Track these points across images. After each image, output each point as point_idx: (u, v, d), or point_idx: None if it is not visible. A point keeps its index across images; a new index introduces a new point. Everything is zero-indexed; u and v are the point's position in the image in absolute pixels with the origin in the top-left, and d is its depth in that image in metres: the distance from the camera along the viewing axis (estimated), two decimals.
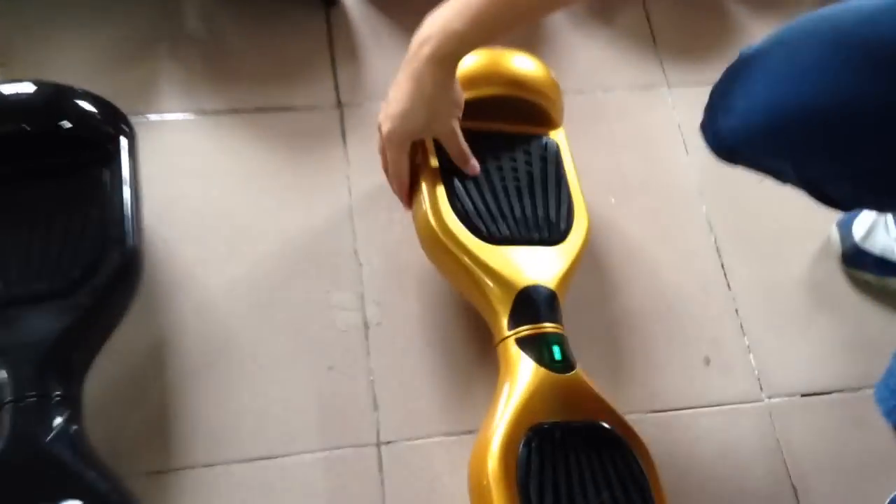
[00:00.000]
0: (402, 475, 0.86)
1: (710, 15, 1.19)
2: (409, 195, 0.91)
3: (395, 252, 0.97)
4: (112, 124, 0.89)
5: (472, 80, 0.91)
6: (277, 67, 1.05)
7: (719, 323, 0.98)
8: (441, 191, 0.88)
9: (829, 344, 0.98)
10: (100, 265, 0.81)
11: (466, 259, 0.85)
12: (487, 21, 0.78)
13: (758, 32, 1.17)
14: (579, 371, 0.83)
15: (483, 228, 0.87)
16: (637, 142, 1.07)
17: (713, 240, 1.03)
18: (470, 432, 0.89)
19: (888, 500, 0.87)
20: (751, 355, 0.97)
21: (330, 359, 0.91)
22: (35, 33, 1.03)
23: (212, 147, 1.01)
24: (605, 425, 0.81)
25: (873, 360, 0.97)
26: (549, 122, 0.96)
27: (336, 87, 1.05)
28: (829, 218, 1.03)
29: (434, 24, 0.79)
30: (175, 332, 0.90)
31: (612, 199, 0.99)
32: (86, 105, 0.88)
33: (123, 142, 0.88)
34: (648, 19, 1.16)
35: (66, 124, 0.85)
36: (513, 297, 0.84)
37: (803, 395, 0.95)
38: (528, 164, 0.92)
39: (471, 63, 0.91)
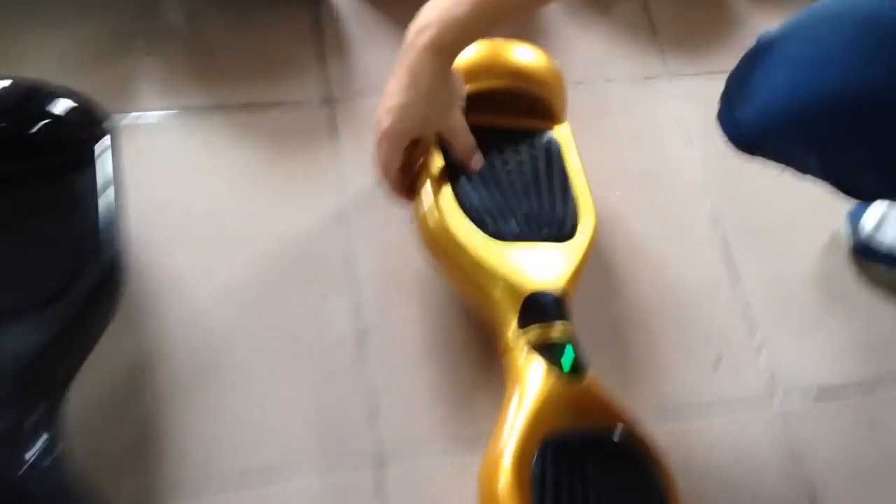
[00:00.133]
0: (406, 490, 0.82)
1: (708, 3, 1.15)
2: (402, 191, 0.87)
3: (393, 253, 0.93)
4: (92, 124, 0.83)
5: (473, 73, 0.86)
6: (263, 62, 1.01)
7: (729, 321, 0.95)
8: (445, 187, 0.84)
9: (842, 341, 0.95)
10: (79, 276, 0.76)
11: (472, 259, 0.81)
12: (488, 8, 0.73)
13: (758, 21, 1.14)
14: (592, 376, 0.79)
15: (490, 224, 0.83)
16: (639, 135, 1.04)
17: (720, 234, 0.99)
18: (477, 443, 0.85)
19: None
20: (762, 354, 0.93)
21: (326, 368, 0.86)
22: (6, 28, 0.97)
23: (196, 146, 0.96)
24: (622, 435, 0.77)
25: (887, 356, 0.94)
26: (554, 115, 0.92)
27: (325, 82, 1.01)
28: (837, 210, 1.01)
29: (432, 12, 0.75)
30: (160, 346, 0.85)
31: (617, 193, 0.96)
32: (64, 103, 0.82)
33: (104, 142, 0.83)
34: (647, 9, 1.13)
35: (43, 124, 0.80)
36: (521, 300, 0.80)
37: (817, 396, 0.92)
38: (534, 159, 0.88)
39: (471, 55, 0.87)
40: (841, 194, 0.71)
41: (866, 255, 0.97)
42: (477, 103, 0.86)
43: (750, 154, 0.74)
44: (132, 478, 0.79)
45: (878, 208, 0.96)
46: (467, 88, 0.85)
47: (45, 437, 0.70)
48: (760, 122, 0.70)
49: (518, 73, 0.89)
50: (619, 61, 1.08)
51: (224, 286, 0.89)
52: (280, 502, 0.80)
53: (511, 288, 0.81)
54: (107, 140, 0.83)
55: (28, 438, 0.69)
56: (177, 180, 0.93)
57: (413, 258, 0.92)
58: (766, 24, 1.11)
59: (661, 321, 0.93)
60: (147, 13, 1.01)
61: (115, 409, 0.82)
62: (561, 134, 0.91)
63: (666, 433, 0.80)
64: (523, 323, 0.80)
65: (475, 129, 0.86)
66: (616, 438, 0.77)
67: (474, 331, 0.90)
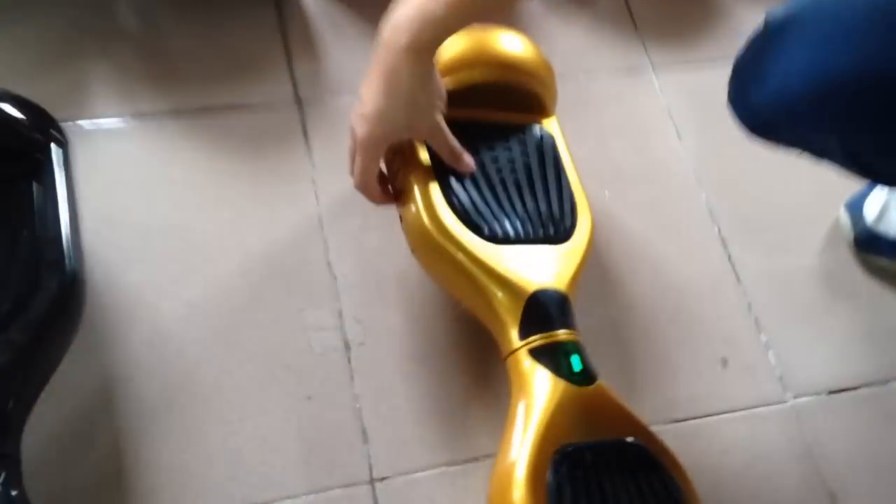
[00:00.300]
0: None
1: None
2: (383, 199, 0.81)
3: (374, 261, 0.86)
4: (41, 131, 0.75)
5: (457, 66, 0.81)
6: (225, 63, 0.93)
7: (733, 320, 0.90)
8: (434, 188, 0.77)
9: (849, 336, 0.91)
10: (34, 295, 0.68)
11: (468, 263, 0.75)
12: (466, 5, 0.68)
13: (738, 9, 1.10)
14: (601, 382, 0.73)
15: (484, 227, 0.77)
16: (626, 129, 0.99)
17: (717, 230, 0.95)
18: (475, 460, 0.78)
19: None
20: (770, 353, 0.89)
21: (308, 387, 0.79)
22: None
23: (155, 154, 0.88)
24: (638, 444, 0.72)
25: None
26: (542, 109, 0.86)
27: (293, 83, 0.94)
28: (835, 201, 0.97)
29: (408, 9, 0.69)
30: (125, 369, 0.77)
31: (606, 192, 0.91)
32: (10, 109, 0.74)
33: (55, 151, 0.75)
34: (626, 1, 1.09)
35: None
36: (522, 303, 0.74)
37: (829, 393, 0.87)
38: (525, 155, 0.83)
39: (455, 46, 0.81)
40: (861, 178, 0.67)
41: (868, 246, 0.93)
42: (461, 98, 0.80)
43: (765, 139, 0.70)
44: None
45: (878, 197, 0.93)
46: (452, 82, 0.79)
47: (3, 473, 0.62)
48: (778, 105, 0.66)
49: (507, 65, 0.83)
50: (600, 54, 1.04)
51: (191, 305, 0.81)
52: None
53: (512, 289, 0.74)
54: (57, 149, 0.76)
55: None
56: (135, 192, 0.86)
57: (395, 265, 0.86)
58: (746, 11, 1.09)
59: (662, 322, 0.88)
60: (98, 14, 0.93)
61: (76, 443, 0.73)
62: (551, 128, 0.86)
63: (676, 438, 0.74)
64: (526, 326, 0.74)
65: (461, 125, 0.80)
66: (631, 446, 0.71)
67: (464, 339, 0.83)
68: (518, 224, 0.78)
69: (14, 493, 0.62)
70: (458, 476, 0.77)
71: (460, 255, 0.76)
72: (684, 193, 0.96)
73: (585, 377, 0.73)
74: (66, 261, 0.71)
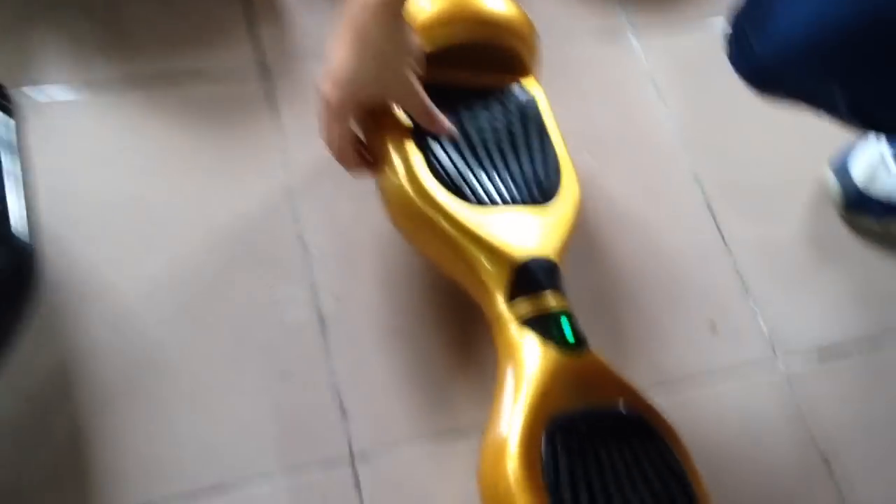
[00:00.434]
0: (386, 491, 0.71)
1: None
2: (358, 165, 0.76)
3: (348, 232, 0.82)
4: None
5: (433, 25, 0.76)
6: (183, 28, 0.88)
7: (720, 284, 0.87)
8: (413, 152, 0.73)
9: (839, 297, 0.89)
10: None
11: (453, 230, 0.71)
12: None
13: None
14: (593, 350, 0.70)
15: (468, 192, 0.73)
16: (607, 93, 0.96)
17: (702, 195, 0.92)
18: (460, 432, 0.75)
19: None
20: (759, 317, 0.86)
21: (282, 364, 0.75)
22: None
23: (110, 124, 0.83)
24: (633, 411, 0.69)
25: (886, 309, 0.89)
26: (524, 69, 0.82)
27: (256, 48, 0.89)
28: (821, 161, 0.95)
29: None
30: (84, 352, 0.72)
31: (589, 158, 0.87)
32: None
33: (3, 121, 0.70)
34: None
35: None
36: (510, 270, 0.71)
37: (820, 355, 0.85)
38: (508, 117, 0.79)
39: (430, 5, 0.76)
40: (862, 130, 0.65)
41: (856, 207, 0.91)
42: (439, 58, 0.76)
43: (766, 91, 0.67)
44: None
45: (865, 158, 0.91)
46: (428, 43, 0.75)
47: None
48: (781, 57, 0.63)
49: (486, 22, 0.79)
50: (579, 17, 1.00)
51: (154, 282, 0.76)
52: None
53: (500, 257, 0.71)
54: (6, 119, 0.71)
55: None
56: (90, 164, 0.80)
57: (370, 234, 0.82)
58: None
59: (650, 288, 0.85)
60: None
61: (32, 431, 0.68)
62: (533, 89, 0.82)
63: (666, 405, 0.71)
64: (515, 294, 0.70)
65: (438, 89, 0.75)
66: (626, 413, 0.68)
67: (445, 308, 0.80)
68: (503, 188, 0.74)
69: None
70: (444, 451, 0.74)
71: (444, 222, 0.72)
72: (668, 158, 0.93)
73: (577, 345, 0.69)
74: (19, 235, 0.65)
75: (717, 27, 0.92)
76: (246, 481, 0.69)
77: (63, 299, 0.74)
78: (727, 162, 0.95)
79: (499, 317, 0.71)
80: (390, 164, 0.74)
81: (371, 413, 0.74)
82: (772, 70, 0.65)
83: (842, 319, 0.88)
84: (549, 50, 0.85)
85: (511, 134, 0.78)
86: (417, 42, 0.72)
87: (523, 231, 0.73)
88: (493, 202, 0.73)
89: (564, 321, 0.70)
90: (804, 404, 0.82)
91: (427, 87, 0.73)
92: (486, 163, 0.75)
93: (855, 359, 0.86)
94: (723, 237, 0.90)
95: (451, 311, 0.80)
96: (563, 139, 0.80)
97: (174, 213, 0.80)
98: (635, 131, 0.95)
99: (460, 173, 0.74)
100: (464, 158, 0.75)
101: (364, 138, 0.77)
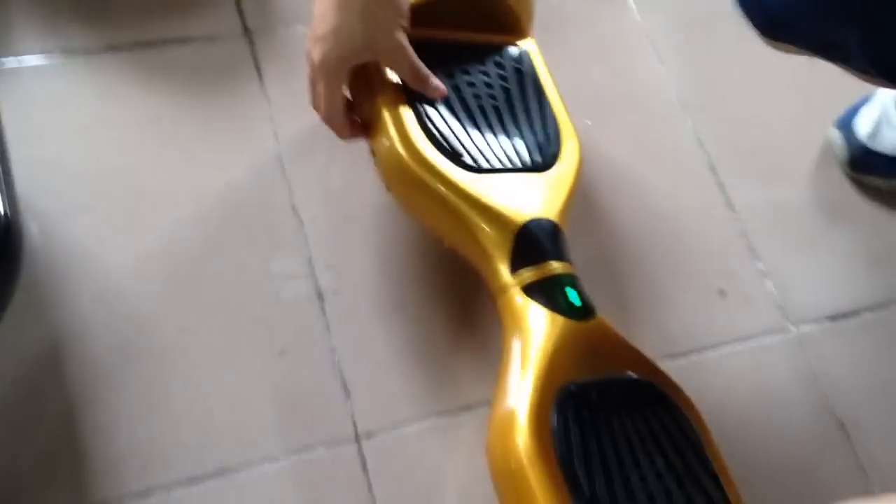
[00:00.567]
0: (393, 471, 0.69)
1: None
2: (352, 130, 0.73)
3: (343, 201, 0.79)
4: None
5: None
6: None
7: (728, 249, 0.84)
8: (408, 115, 0.70)
9: (848, 259, 0.86)
10: None
11: (451, 195, 0.68)
12: None
13: None
14: (601, 316, 0.68)
15: (465, 156, 0.69)
16: (603, 53, 0.93)
17: (705, 157, 0.89)
18: (467, 408, 0.72)
19: None
20: (768, 281, 0.84)
21: (281, 341, 0.72)
22: None
23: (89, 93, 0.79)
24: (645, 379, 0.66)
25: None
26: (519, 27, 0.79)
27: (240, 12, 0.85)
28: (826, 120, 0.92)
29: None
30: (73, 331, 0.69)
31: (588, 121, 0.84)
32: None
33: None
34: None
35: None
36: (512, 236, 0.68)
37: (832, 319, 0.83)
38: (503, 78, 0.76)
39: None
40: (878, 81, 0.62)
41: (863, 165, 0.88)
42: (427, 15, 0.72)
43: (777, 40, 0.64)
44: (49, 496, 0.63)
45: (870, 113, 0.88)
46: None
47: None
48: (794, 2, 0.60)
49: None
50: None
51: (143, 257, 0.73)
52: (242, 501, 0.65)
53: (500, 220, 0.68)
54: None
55: None
56: (70, 135, 0.77)
57: (367, 204, 0.79)
58: None
59: (654, 255, 0.83)
60: None
61: (22, 415, 0.65)
62: (529, 48, 0.79)
63: (677, 374, 0.68)
64: (518, 260, 0.67)
65: (430, 47, 0.72)
66: (638, 381, 0.66)
67: (447, 280, 0.77)
68: (501, 151, 0.71)
69: None
70: (450, 427, 0.71)
71: (441, 188, 0.69)
72: (669, 119, 0.91)
73: (584, 311, 0.67)
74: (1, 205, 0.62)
75: None
76: (247, 464, 0.67)
77: (47, 277, 0.71)
78: (729, 122, 0.92)
79: (502, 284, 0.68)
80: (384, 129, 0.70)
81: (374, 390, 0.72)
82: (785, 15, 0.62)
83: (852, 280, 0.86)
84: (540, 7, 0.82)
85: (507, 95, 0.75)
86: None
87: (523, 194, 0.70)
88: (491, 166, 0.70)
89: (571, 287, 0.67)
90: (817, 368, 0.81)
91: (418, 46, 0.70)
92: (483, 126, 0.72)
93: (868, 321, 0.84)
94: (728, 200, 0.87)
95: (453, 281, 0.77)
96: (563, 100, 0.77)
97: (160, 184, 0.76)
98: (633, 92, 0.92)
99: (457, 137, 0.70)
100: (460, 121, 0.71)
101: (355, 102, 0.74)
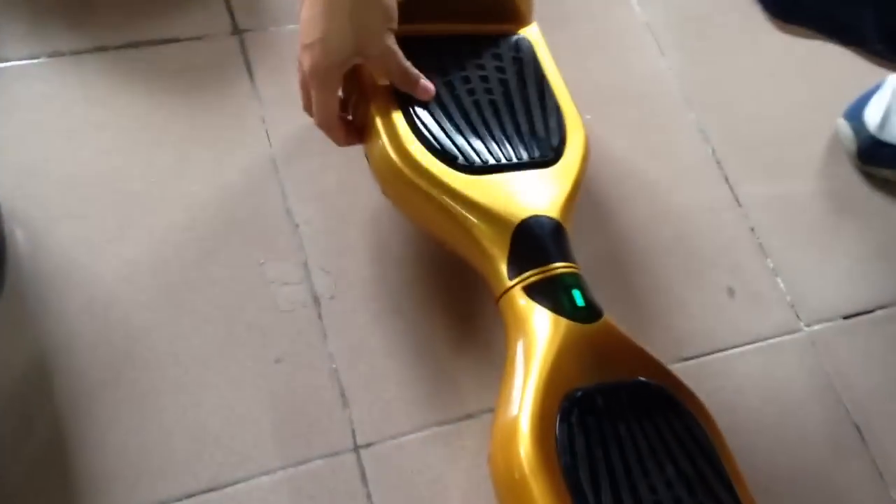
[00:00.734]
0: (393, 482, 0.66)
1: None
2: (350, 137, 0.71)
3: (339, 204, 0.76)
4: None
5: None
6: None
7: (736, 246, 0.82)
8: (399, 117, 0.67)
9: (859, 255, 0.84)
10: None
11: (445, 198, 0.66)
12: None
13: None
14: (607, 317, 0.65)
15: (459, 157, 0.67)
16: (603, 45, 0.90)
17: (710, 151, 0.87)
18: (469, 416, 0.70)
19: None
20: (778, 279, 0.81)
21: (276, 349, 0.69)
22: None
23: (77, 96, 0.77)
24: (654, 382, 0.64)
25: None
26: (517, 15, 0.76)
27: (230, 10, 0.83)
28: (833, 111, 0.89)
29: None
30: (61, 342, 0.67)
31: (588, 116, 0.81)
32: None
33: None
34: None
35: None
36: (510, 234, 0.66)
37: (845, 317, 0.81)
38: (501, 70, 0.73)
39: None
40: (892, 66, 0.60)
41: (872, 157, 0.86)
42: (418, 9, 0.70)
43: (788, 21, 0.62)
44: None
45: (879, 103, 0.86)
46: None
47: None
48: None
49: None
50: None
51: (133, 264, 0.71)
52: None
53: (498, 221, 0.65)
54: None
55: None
56: (57, 139, 0.74)
57: (364, 206, 0.76)
58: None
59: (661, 253, 0.80)
60: None
61: (11, 430, 0.63)
62: (530, 35, 0.76)
63: (686, 377, 0.66)
64: (517, 261, 0.65)
65: (421, 41, 0.70)
66: (646, 385, 0.63)
67: (447, 283, 0.75)
68: (497, 149, 0.69)
69: None
70: (452, 436, 0.69)
71: (435, 191, 0.66)
72: (672, 113, 0.88)
73: (590, 313, 0.64)
74: None
75: None
76: (243, 477, 0.64)
77: (35, 287, 0.69)
78: (734, 115, 0.89)
79: (503, 286, 0.65)
80: (375, 131, 0.68)
81: (373, 397, 0.69)
82: None
83: (864, 276, 0.83)
84: (539, 0, 0.80)
85: (505, 88, 0.72)
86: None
87: (522, 191, 0.68)
88: (488, 165, 0.68)
89: (575, 288, 0.65)
90: (831, 369, 0.78)
91: (410, 43, 0.68)
92: (479, 123, 0.70)
93: (882, 319, 0.82)
94: (735, 195, 0.85)
95: (456, 286, 0.75)
96: (567, 90, 0.75)
97: (150, 188, 0.74)
98: (634, 85, 0.89)
99: (451, 137, 0.68)
100: (454, 120, 0.69)
101: (348, 104, 0.72)
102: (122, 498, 0.62)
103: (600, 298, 0.67)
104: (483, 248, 0.66)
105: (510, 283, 0.65)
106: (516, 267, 0.65)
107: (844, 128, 0.88)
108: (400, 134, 0.67)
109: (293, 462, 0.65)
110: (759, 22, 0.66)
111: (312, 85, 0.66)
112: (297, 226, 0.75)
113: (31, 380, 0.65)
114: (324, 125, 0.69)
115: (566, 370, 0.62)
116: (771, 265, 0.82)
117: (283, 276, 0.73)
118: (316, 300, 0.72)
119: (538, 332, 0.63)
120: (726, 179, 0.85)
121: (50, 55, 0.78)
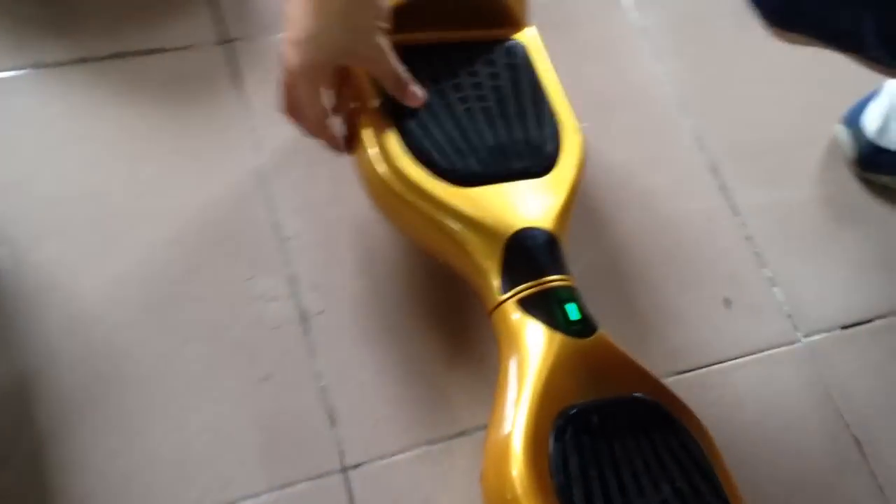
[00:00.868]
0: (382, 503, 0.65)
1: None
2: (335, 141, 0.69)
3: (328, 217, 0.75)
4: None
5: None
6: (135, 2, 0.80)
7: (732, 255, 0.80)
8: (388, 128, 0.66)
9: (859, 264, 0.82)
10: None
11: (435, 211, 0.64)
12: None
13: None
14: (602, 331, 0.64)
15: (449, 168, 0.66)
16: (598, 52, 0.89)
17: (706, 158, 0.85)
18: (461, 434, 0.68)
19: None
20: (775, 289, 0.80)
21: (263, 367, 0.68)
22: None
23: (62, 110, 0.75)
24: (649, 399, 0.62)
25: None
26: (512, 20, 0.75)
27: (217, 20, 0.82)
28: (830, 118, 0.88)
29: None
30: (42, 363, 0.65)
31: (584, 123, 0.80)
32: None
33: None
34: None
35: None
36: (502, 246, 0.64)
37: (843, 328, 0.79)
38: (494, 77, 0.71)
39: None
40: (892, 72, 0.58)
41: (871, 163, 0.84)
42: (410, 16, 0.69)
43: (785, 28, 0.60)
44: None
45: (878, 108, 0.84)
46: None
47: None
48: None
49: None
50: None
51: (116, 281, 0.69)
52: None
53: (489, 233, 0.64)
54: None
55: None
56: (39, 153, 0.73)
57: (352, 219, 0.75)
58: None
59: (656, 263, 0.79)
60: None
61: None
62: (527, 39, 0.75)
63: (682, 391, 0.64)
64: (510, 274, 0.64)
65: (413, 50, 0.69)
66: (642, 402, 0.62)
67: (439, 298, 0.73)
68: (489, 159, 0.67)
69: None
70: (443, 454, 0.67)
71: (425, 204, 0.65)
72: (667, 120, 0.87)
73: (584, 327, 0.63)
74: None
75: None
76: (228, 500, 0.62)
77: (15, 306, 0.67)
78: (730, 121, 0.88)
79: (495, 299, 0.64)
80: (364, 144, 0.66)
81: (362, 416, 0.68)
82: (795, 4, 0.58)
83: (863, 286, 0.82)
84: (536, 7, 0.78)
85: (498, 96, 0.71)
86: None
87: (515, 202, 0.66)
88: (480, 176, 0.66)
89: (570, 301, 0.63)
90: (830, 381, 0.76)
91: (399, 50, 0.66)
92: (470, 133, 0.68)
93: (881, 329, 0.80)
94: (731, 204, 0.83)
95: (446, 298, 0.73)
96: (566, 96, 0.73)
97: (134, 202, 0.73)
98: (630, 92, 0.88)
99: (442, 148, 0.66)
100: (444, 130, 0.67)
101: (336, 109, 0.70)
102: None
103: (595, 311, 0.65)
104: (475, 262, 0.65)
105: (503, 297, 0.64)
106: (509, 280, 0.64)
107: (843, 134, 0.86)
108: (389, 147, 0.66)
109: (279, 484, 0.64)
110: (756, 27, 0.64)
111: (301, 82, 0.64)
112: (284, 239, 0.73)
113: (11, 400, 0.64)
114: (311, 125, 0.67)
115: (560, 386, 0.60)
116: (768, 275, 0.81)
117: (270, 292, 0.71)
118: (304, 316, 0.71)
119: (531, 347, 0.62)
120: (723, 187, 0.84)
121: (33, 67, 0.76)
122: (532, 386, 0.60)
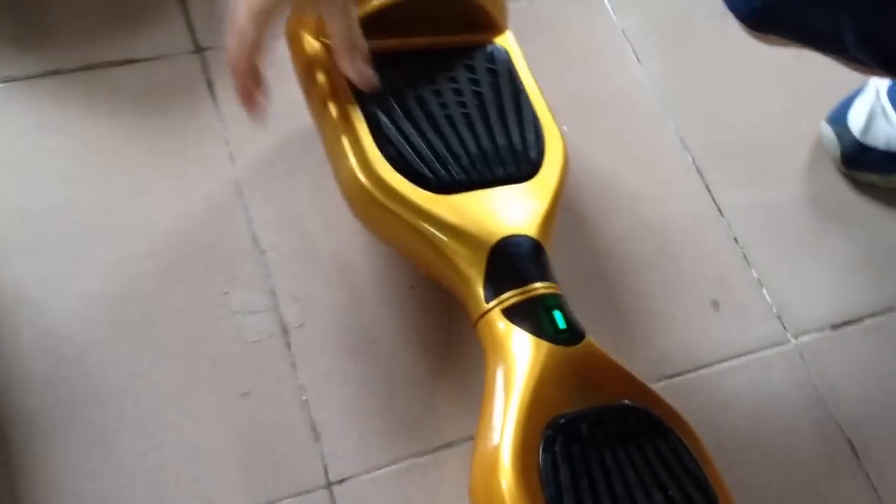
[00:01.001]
0: None
1: None
2: (251, 98, 0.63)
3: (307, 227, 0.73)
4: None
5: None
6: (106, 13, 0.79)
7: (720, 257, 0.79)
8: (366, 134, 0.64)
9: (847, 263, 0.81)
10: None
11: (416, 220, 0.63)
12: None
13: None
14: (590, 339, 0.62)
15: (430, 176, 0.64)
16: (579, 55, 0.87)
17: (690, 160, 0.84)
18: (448, 446, 0.67)
19: None
20: (764, 290, 0.79)
21: (243, 382, 0.66)
22: None
23: (31, 123, 0.73)
24: (640, 406, 0.61)
25: None
26: (490, 24, 0.73)
27: (190, 29, 0.80)
28: (815, 117, 0.87)
29: None
30: (11, 383, 0.63)
31: (564, 127, 0.78)
32: None
33: None
34: None
35: None
36: (485, 254, 0.63)
37: (833, 327, 0.78)
38: (474, 82, 0.70)
39: None
40: (874, 71, 0.58)
41: (857, 162, 0.84)
42: (388, 23, 0.67)
43: (763, 30, 0.59)
44: None
45: (863, 106, 0.84)
46: (374, 3, 0.67)
47: None
48: None
49: None
50: None
51: (88, 298, 0.67)
52: None
53: (472, 242, 0.63)
54: None
55: None
56: (9, 170, 0.71)
57: (331, 227, 0.73)
58: None
59: (642, 267, 0.77)
60: None
61: None
62: (506, 44, 0.73)
63: (671, 395, 0.63)
64: (495, 283, 0.62)
65: (391, 57, 0.67)
66: (632, 409, 0.61)
67: (423, 308, 0.71)
68: (472, 165, 0.66)
69: None
70: (431, 467, 0.66)
71: (406, 213, 0.63)
72: (651, 122, 0.85)
73: (572, 335, 0.61)
74: None
75: None
76: None
77: None
78: (714, 122, 0.87)
79: (480, 308, 0.62)
80: (343, 153, 0.65)
81: (346, 430, 0.66)
82: (771, 3, 0.57)
83: (852, 286, 0.80)
84: (515, 9, 0.77)
85: (479, 101, 0.69)
86: None
87: (498, 209, 0.65)
88: (461, 183, 0.65)
89: (556, 309, 0.62)
90: (820, 382, 0.75)
91: (376, 58, 0.65)
92: (451, 139, 0.67)
93: (871, 328, 0.79)
94: (717, 205, 0.82)
95: (430, 308, 0.72)
96: (546, 101, 0.72)
97: (106, 217, 0.71)
98: (611, 95, 0.86)
99: (421, 156, 0.65)
100: (423, 137, 0.66)
101: (306, 97, 0.69)
102: None
103: (581, 317, 0.64)
104: (458, 270, 0.63)
105: (488, 306, 0.62)
106: (493, 289, 0.62)
107: (828, 132, 0.85)
108: (369, 154, 0.64)
109: (262, 502, 0.62)
110: (738, 28, 0.63)
111: (245, 18, 0.58)
112: (263, 251, 0.72)
113: None
114: (236, 56, 0.60)
115: (548, 396, 0.59)
116: (756, 276, 0.79)
117: (249, 305, 0.69)
118: (284, 329, 0.69)
119: (518, 356, 0.60)
120: (708, 189, 0.83)
121: (2, 81, 0.74)
122: (519, 396, 0.58)
